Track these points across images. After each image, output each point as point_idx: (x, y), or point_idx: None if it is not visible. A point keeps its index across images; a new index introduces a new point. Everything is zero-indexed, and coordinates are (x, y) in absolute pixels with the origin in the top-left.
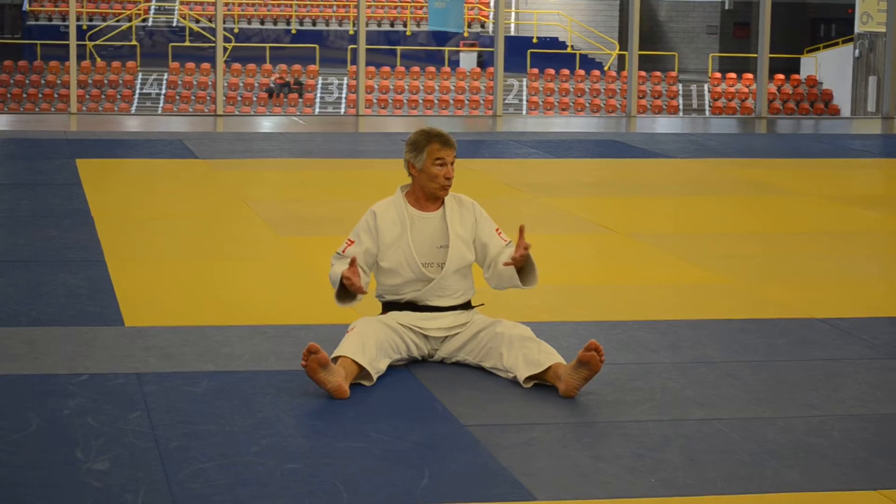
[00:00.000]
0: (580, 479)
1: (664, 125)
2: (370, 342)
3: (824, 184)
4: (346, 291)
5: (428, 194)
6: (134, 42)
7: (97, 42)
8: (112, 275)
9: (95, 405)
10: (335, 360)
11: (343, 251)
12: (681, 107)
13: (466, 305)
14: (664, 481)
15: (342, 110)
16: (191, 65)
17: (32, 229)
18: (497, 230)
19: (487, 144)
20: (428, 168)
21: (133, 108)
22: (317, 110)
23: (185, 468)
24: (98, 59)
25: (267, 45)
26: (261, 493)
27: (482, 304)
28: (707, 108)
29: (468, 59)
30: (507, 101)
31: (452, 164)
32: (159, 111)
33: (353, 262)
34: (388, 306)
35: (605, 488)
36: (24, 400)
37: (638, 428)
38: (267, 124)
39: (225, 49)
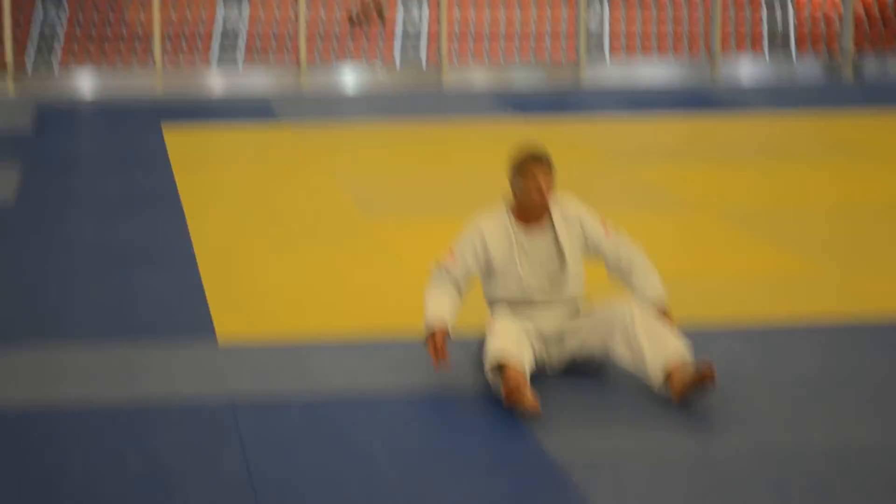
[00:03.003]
0: None
1: (747, 67)
2: (522, 341)
3: None
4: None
5: (530, 213)
6: None
7: None
8: (203, 276)
9: (191, 441)
10: (500, 364)
11: (445, 266)
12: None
13: (576, 308)
14: None
15: (423, 44)
16: None
17: (122, 218)
18: (602, 223)
19: (570, 101)
20: (528, 188)
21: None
22: (398, 43)
23: None
24: None
25: None
26: None
27: (591, 311)
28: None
29: None
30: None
31: (550, 182)
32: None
33: (443, 333)
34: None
35: None
36: (121, 435)
37: (725, 462)
38: (348, 78)
39: None
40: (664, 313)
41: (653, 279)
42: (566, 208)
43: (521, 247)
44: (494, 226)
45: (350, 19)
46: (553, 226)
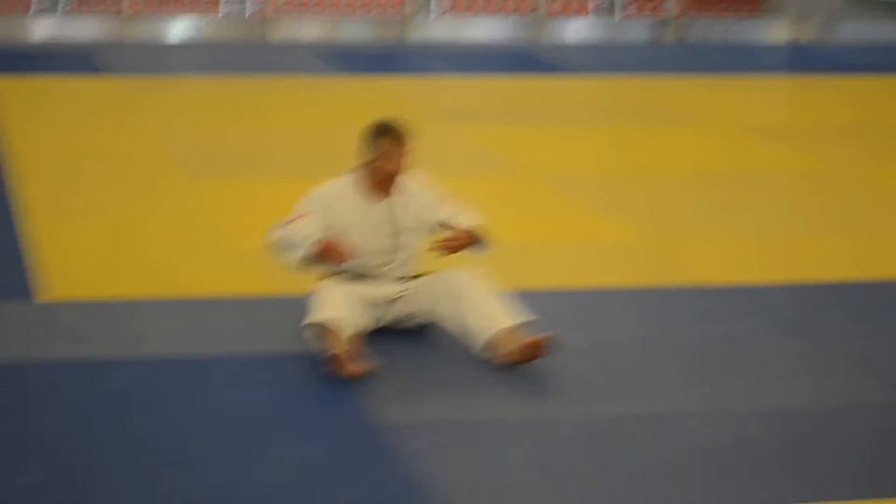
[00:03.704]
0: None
1: (574, 29)
2: (346, 306)
3: (733, 109)
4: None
5: (381, 184)
6: None
7: None
8: (27, 234)
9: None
10: (324, 328)
11: (290, 224)
12: None
13: (408, 276)
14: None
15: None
16: None
17: None
18: (443, 200)
19: (396, 58)
20: (380, 162)
21: None
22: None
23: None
24: None
25: None
26: None
27: (427, 273)
28: None
29: None
30: None
31: (405, 154)
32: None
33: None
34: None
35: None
36: None
37: (545, 427)
38: (172, 29)
39: None
40: (478, 238)
41: (470, 215)
42: (414, 183)
43: (363, 214)
44: (338, 193)
45: None
46: (399, 198)
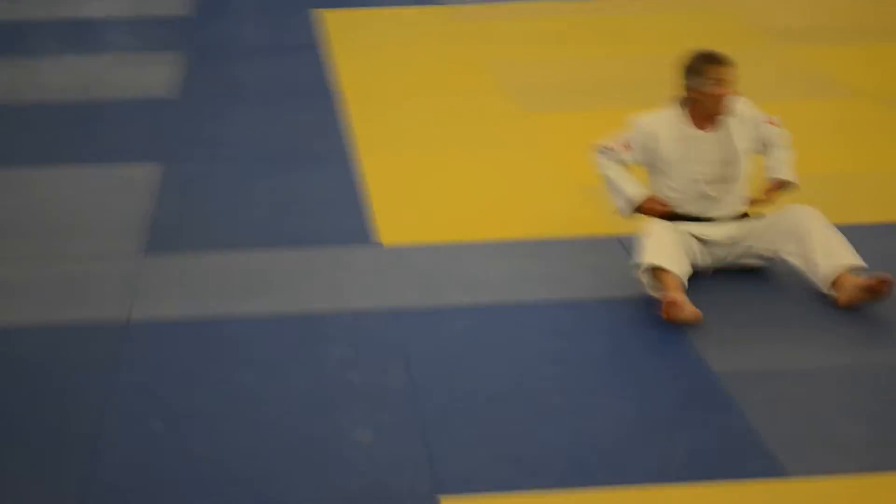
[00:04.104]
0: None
1: None
2: (677, 249)
3: None
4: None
5: (709, 114)
6: None
7: None
8: (363, 176)
9: (357, 354)
10: (653, 271)
11: (615, 150)
12: None
13: (745, 214)
14: None
15: None
16: None
17: (276, 113)
18: (766, 120)
19: None
20: (711, 90)
21: None
22: None
23: (445, 443)
24: None
25: None
26: (525, 470)
27: (761, 216)
28: None
29: None
30: None
31: (731, 81)
32: None
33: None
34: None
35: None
36: (288, 346)
37: (887, 373)
38: None
39: None
40: (788, 185)
41: (783, 157)
42: (741, 110)
43: (693, 143)
44: (664, 122)
45: None
46: (727, 126)
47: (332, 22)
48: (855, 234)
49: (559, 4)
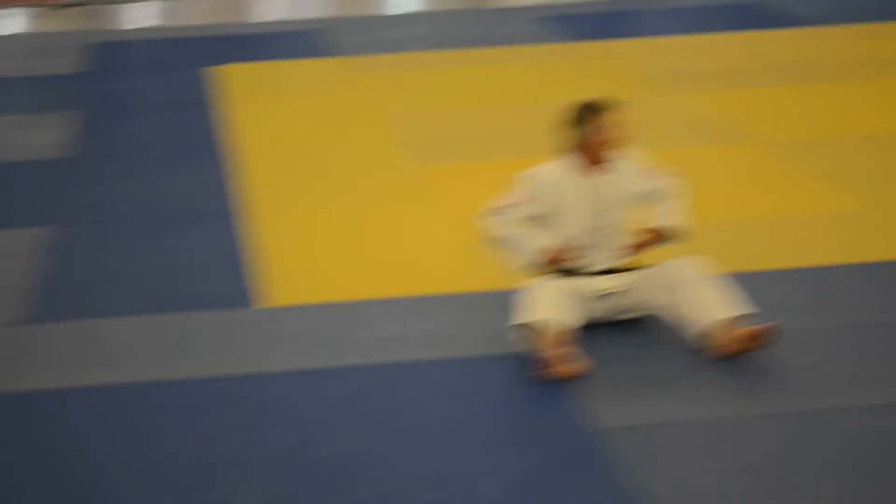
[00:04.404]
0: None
1: None
2: (558, 304)
3: None
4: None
5: (597, 160)
6: None
7: None
8: (254, 235)
9: (241, 420)
10: (533, 326)
11: (511, 207)
12: None
13: (627, 266)
14: None
15: None
16: None
17: (169, 173)
18: (652, 170)
19: (619, 19)
20: (600, 136)
21: None
22: None
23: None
24: None
25: None
26: None
27: (639, 268)
28: None
29: None
30: None
31: (617, 128)
32: None
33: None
34: (551, 270)
35: None
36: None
37: (765, 425)
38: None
39: None
40: (670, 234)
41: (672, 205)
42: (629, 157)
43: (584, 190)
44: (556, 171)
45: None
46: (615, 173)
47: (229, 77)
48: (747, 281)
49: (455, 54)
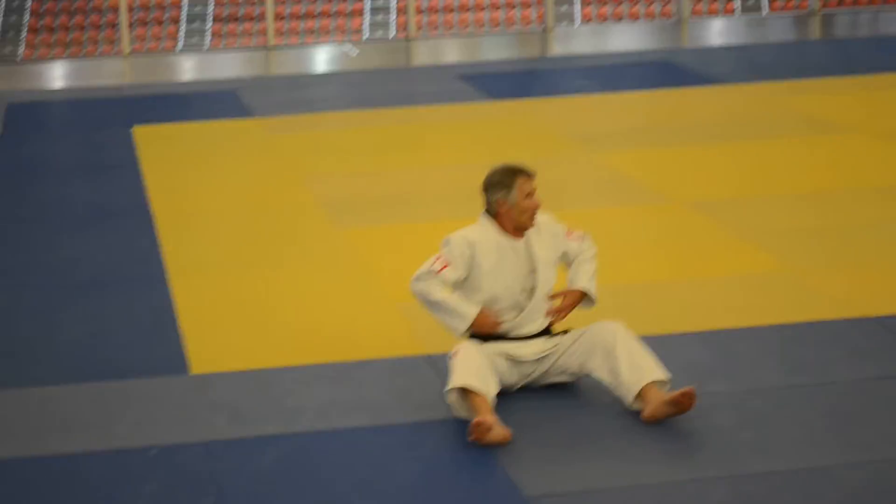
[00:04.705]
0: None
1: (717, 31)
2: (485, 369)
3: (881, 114)
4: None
5: (518, 226)
6: None
7: None
8: (176, 299)
9: (168, 491)
10: (463, 393)
11: (438, 273)
12: None
13: (548, 329)
14: None
15: (392, 17)
16: None
17: (91, 234)
18: (567, 233)
19: (538, 76)
20: (520, 203)
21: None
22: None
23: None
24: None
25: None
26: None
27: (567, 331)
28: None
29: None
30: None
31: (534, 189)
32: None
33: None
34: (476, 334)
35: None
36: (98, 486)
37: (695, 490)
38: (320, 58)
39: None
40: (583, 301)
41: (587, 269)
42: (543, 222)
43: (506, 253)
44: (478, 234)
45: None
46: (532, 237)
47: (148, 138)
48: (662, 344)
49: (377, 113)
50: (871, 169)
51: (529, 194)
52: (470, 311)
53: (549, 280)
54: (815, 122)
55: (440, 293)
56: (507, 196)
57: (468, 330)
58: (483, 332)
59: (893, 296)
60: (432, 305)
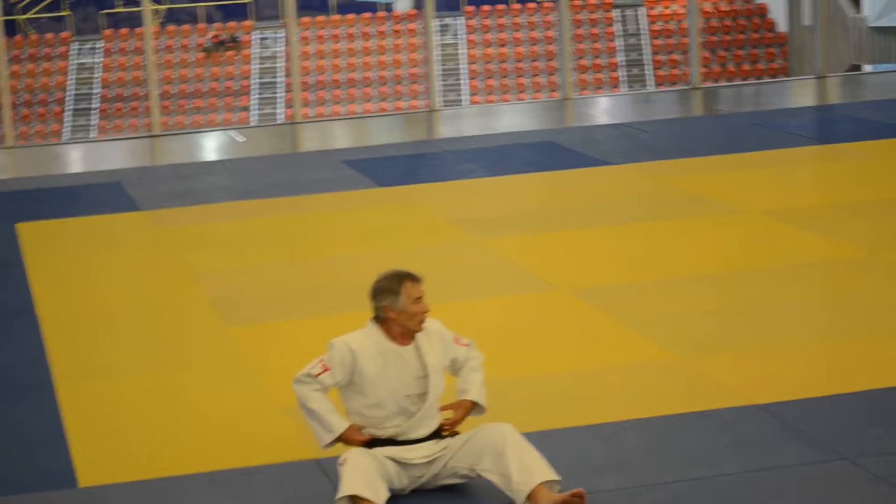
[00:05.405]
0: None
1: (602, 109)
2: (374, 476)
3: (761, 192)
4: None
5: (406, 331)
6: (66, 11)
7: (28, 15)
8: (62, 408)
9: None
10: (350, 499)
11: (317, 377)
12: (618, 34)
13: (438, 431)
14: None
15: (279, 65)
16: (124, 31)
17: None
18: (456, 340)
19: (425, 161)
20: (408, 308)
21: (69, 95)
22: (255, 68)
23: None
24: (31, 32)
25: (200, 3)
26: None
27: (455, 434)
28: (645, 34)
29: (404, 1)
30: (443, 42)
31: (421, 295)
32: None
33: (356, 427)
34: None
35: None
36: None
37: None
38: (208, 145)
39: (157, 12)
40: (473, 409)
41: (476, 378)
42: (432, 327)
43: (392, 358)
44: (362, 340)
45: (205, 49)
46: (421, 342)
47: (32, 235)
48: (551, 438)
49: (262, 203)
50: (760, 250)
51: (417, 299)
52: (338, 426)
53: (438, 385)
54: (702, 202)
55: (314, 401)
56: (394, 302)
57: (333, 443)
58: (351, 444)
59: (778, 382)
60: (307, 411)
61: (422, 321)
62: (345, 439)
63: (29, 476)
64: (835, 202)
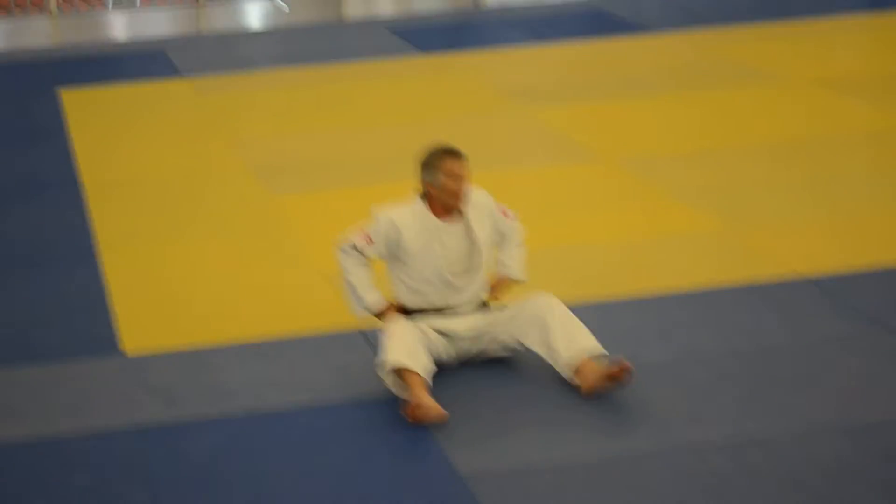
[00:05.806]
0: None
1: None
2: (418, 346)
3: (810, 60)
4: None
5: (447, 207)
6: None
7: None
8: (106, 275)
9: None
10: (397, 371)
11: (358, 245)
12: None
13: (484, 303)
14: None
15: None
16: None
17: (18, 209)
18: (503, 211)
19: (470, 30)
20: (445, 185)
21: None
22: None
23: None
24: None
25: None
26: None
27: (504, 306)
28: None
29: None
30: None
31: (466, 175)
32: None
33: (392, 309)
34: (410, 309)
35: None
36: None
37: (629, 466)
38: (251, 14)
39: None
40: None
41: (515, 254)
42: (478, 200)
43: (436, 234)
44: (406, 214)
45: None
46: (467, 217)
47: (76, 103)
48: (598, 311)
49: (308, 72)
50: (811, 119)
51: (455, 176)
52: (373, 302)
53: (486, 259)
54: (750, 71)
55: (355, 272)
56: (432, 177)
57: (363, 313)
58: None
59: (828, 255)
60: (347, 283)
61: (457, 198)
62: (380, 316)
63: (74, 343)
64: (887, 72)
